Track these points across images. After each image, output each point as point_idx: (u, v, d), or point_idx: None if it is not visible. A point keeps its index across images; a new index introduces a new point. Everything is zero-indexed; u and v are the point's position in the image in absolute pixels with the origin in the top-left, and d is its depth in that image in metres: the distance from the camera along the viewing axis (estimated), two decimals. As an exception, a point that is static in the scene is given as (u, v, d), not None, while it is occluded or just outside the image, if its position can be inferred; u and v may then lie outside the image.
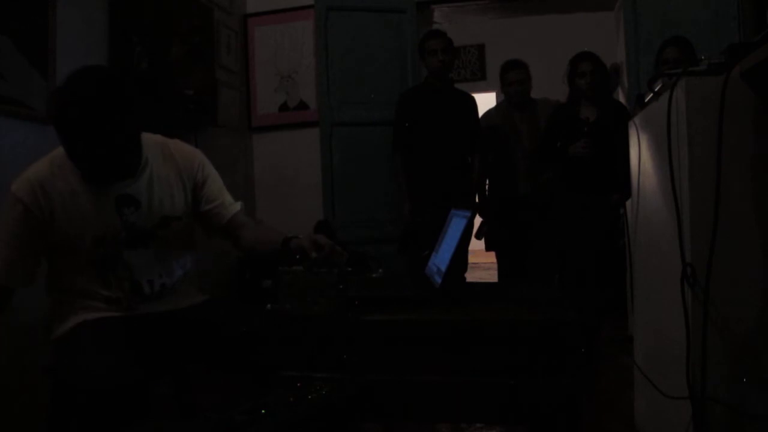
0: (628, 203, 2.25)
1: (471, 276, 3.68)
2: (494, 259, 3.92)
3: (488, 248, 3.77)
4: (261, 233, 1.61)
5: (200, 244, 1.70)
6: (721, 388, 1.43)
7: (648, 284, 1.98)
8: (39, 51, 2.25)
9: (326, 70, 3.73)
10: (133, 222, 1.48)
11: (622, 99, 3.74)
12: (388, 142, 3.47)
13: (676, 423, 1.57)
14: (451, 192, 3.22)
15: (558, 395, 1.25)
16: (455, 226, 1.67)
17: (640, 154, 2.03)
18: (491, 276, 5.44)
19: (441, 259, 1.64)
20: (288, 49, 3.93)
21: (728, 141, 1.40)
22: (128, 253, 1.49)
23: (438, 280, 1.56)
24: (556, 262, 3.35)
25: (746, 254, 1.45)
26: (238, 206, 1.65)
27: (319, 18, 3.73)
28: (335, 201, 3.72)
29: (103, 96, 1.30)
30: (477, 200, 3.58)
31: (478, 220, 3.52)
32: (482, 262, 5.38)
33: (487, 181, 3.65)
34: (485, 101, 5.07)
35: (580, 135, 3.05)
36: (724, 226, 1.40)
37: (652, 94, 1.83)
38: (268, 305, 1.41)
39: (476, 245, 3.44)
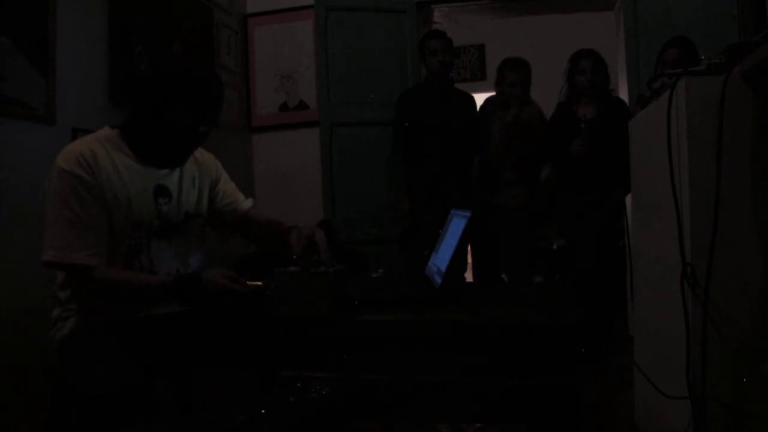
0: (629, 202, 2.25)
1: (471, 276, 3.67)
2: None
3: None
4: (271, 228, 1.68)
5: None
6: (721, 388, 1.43)
7: (648, 284, 1.98)
8: (39, 51, 2.24)
9: (326, 70, 3.73)
10: (166, 213, 1.52)
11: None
12: (388, 142, 3.47)
13: (676, 423, 1.57)
14: (450, 192, 3.22)
15: (558, 395, 1.25)
16: (455, 226, 1.67)
17: (640, 154, 2.03)
18: (491, 276, 5.42)
19: (441, 259, 1.64)
20: (288, 49, 3.93)
21: (728, 141, 1.40)
22: (154, 244, 1.51)
23: (438, 280, 1.56)
24: (533, 262, 3.34)
25: (746, 254, 1.45)
26: (250, 202, 1.75)
27: (319, 18, 3.73)
28: (335, 201, 3.72)
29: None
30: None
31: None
32: (482, 262, 5.36)
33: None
34: (485, 101, 5.05)
35: (578, 133, 3.05)
36: (724, 226, 1.40)
37: (652, 94, 1.83)
38: (263, 309, 1.42)
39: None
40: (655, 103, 1.77)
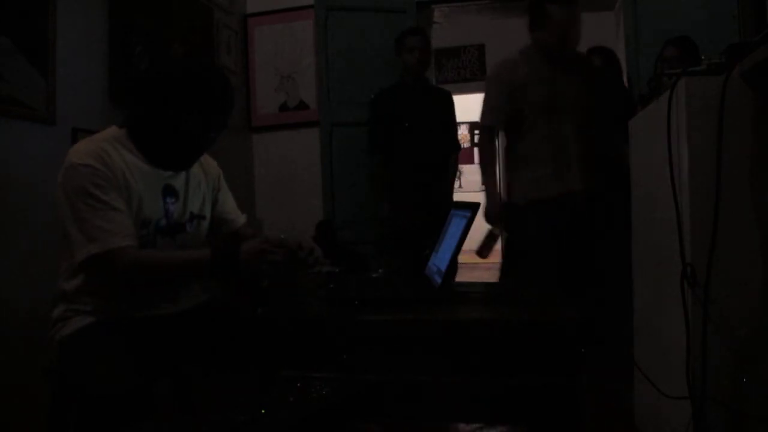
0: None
1: (471, 276, 3.66)
2: (494, 259, 3.82)
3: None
4: None
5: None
6: (721, 388, 1.43)
7: (648, 284, 1.98)
8: (39, 51, 2.24)
9: (326, 70, 3.73)
10: (172, 212, 1.54)
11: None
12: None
13: (676, 423, 1.57)
14: (430, 192, 3.17)
15: (558, 395, 1.25)
16: (455, 226, 1.66)
17: (640, 154, 2.03)
18: (491, 276, 5.43)
19: (441, 259, 1.64)
20: (288, 49, 3.93)
21: (728, 141, 1.40)
22: (160, 242, 1.52)
23: (438, 280, 1.56)
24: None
25: (746, 254, 1.45)
26: (244, 218, 1.79)
27: (319, 18, 3.73)
28: (335, 201, 3.72)
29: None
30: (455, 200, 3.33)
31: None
32: (482, 262, 5.36)
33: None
34: (485, 101, 5.04)
35: None
36: (724, 226, 1.40)
37: (652, 94, 1.83)
38: (258, 310, 1.42)
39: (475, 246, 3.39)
40: (655, 103, 1.77)
